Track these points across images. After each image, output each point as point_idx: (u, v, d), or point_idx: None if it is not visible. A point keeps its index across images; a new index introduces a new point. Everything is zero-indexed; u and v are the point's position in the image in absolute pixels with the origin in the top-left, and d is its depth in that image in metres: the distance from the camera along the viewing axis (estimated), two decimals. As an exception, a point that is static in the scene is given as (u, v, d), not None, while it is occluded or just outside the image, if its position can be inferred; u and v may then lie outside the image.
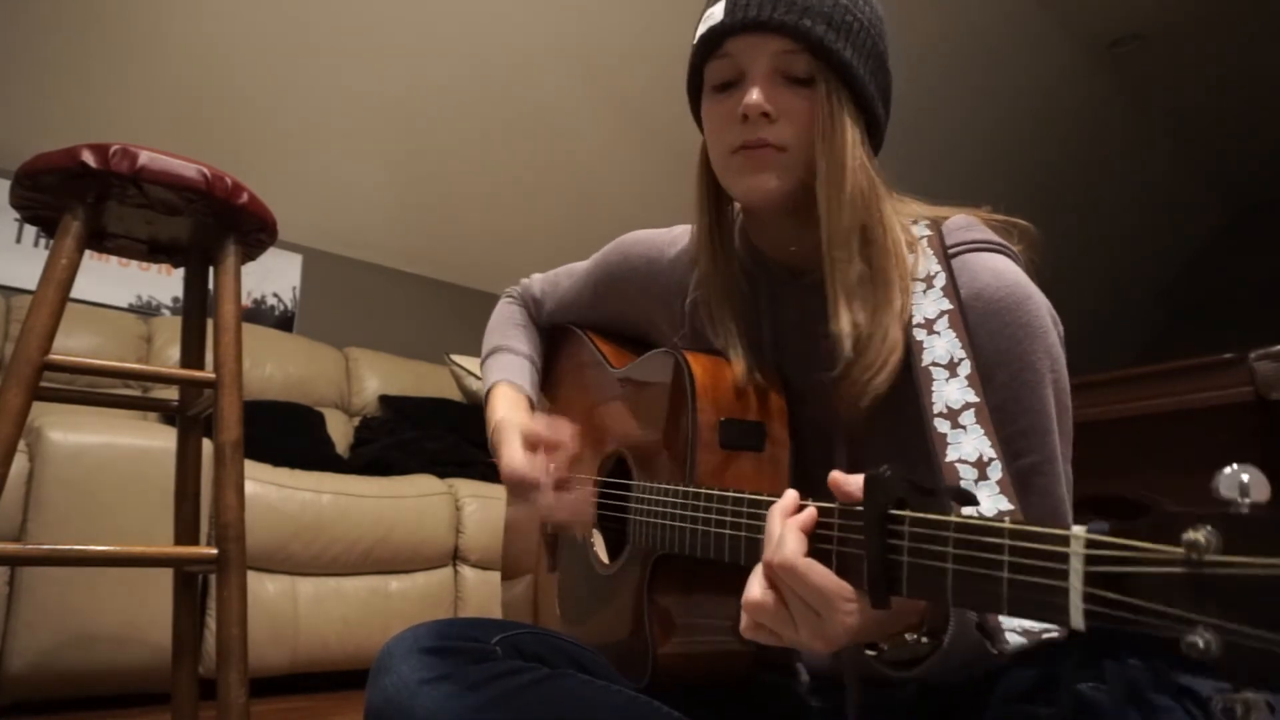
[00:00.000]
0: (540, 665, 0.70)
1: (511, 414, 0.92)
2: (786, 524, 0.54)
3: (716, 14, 0.74)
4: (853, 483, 0.53)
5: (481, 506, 2.41)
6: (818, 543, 0.53)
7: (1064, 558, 0.39)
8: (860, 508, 0.50)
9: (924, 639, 0.56)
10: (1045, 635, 0.55)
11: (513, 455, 0.84)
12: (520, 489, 0.84)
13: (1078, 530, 0.38)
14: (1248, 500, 0.33)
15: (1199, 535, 0.33)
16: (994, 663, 0.57)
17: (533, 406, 0.98)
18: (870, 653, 0.58)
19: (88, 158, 1.10)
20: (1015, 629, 0.55)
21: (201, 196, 1.17)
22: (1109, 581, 0.37)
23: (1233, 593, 0.32)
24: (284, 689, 2.04)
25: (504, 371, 1.01)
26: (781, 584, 0.53)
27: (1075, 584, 0.38)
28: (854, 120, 0.72)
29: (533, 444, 0.84)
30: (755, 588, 0.55)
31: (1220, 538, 0.33)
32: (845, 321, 0.71)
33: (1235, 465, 0.34)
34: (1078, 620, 0.38)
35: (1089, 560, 0.38)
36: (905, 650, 0.57)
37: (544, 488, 0.83)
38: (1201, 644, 0.33)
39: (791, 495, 0.56)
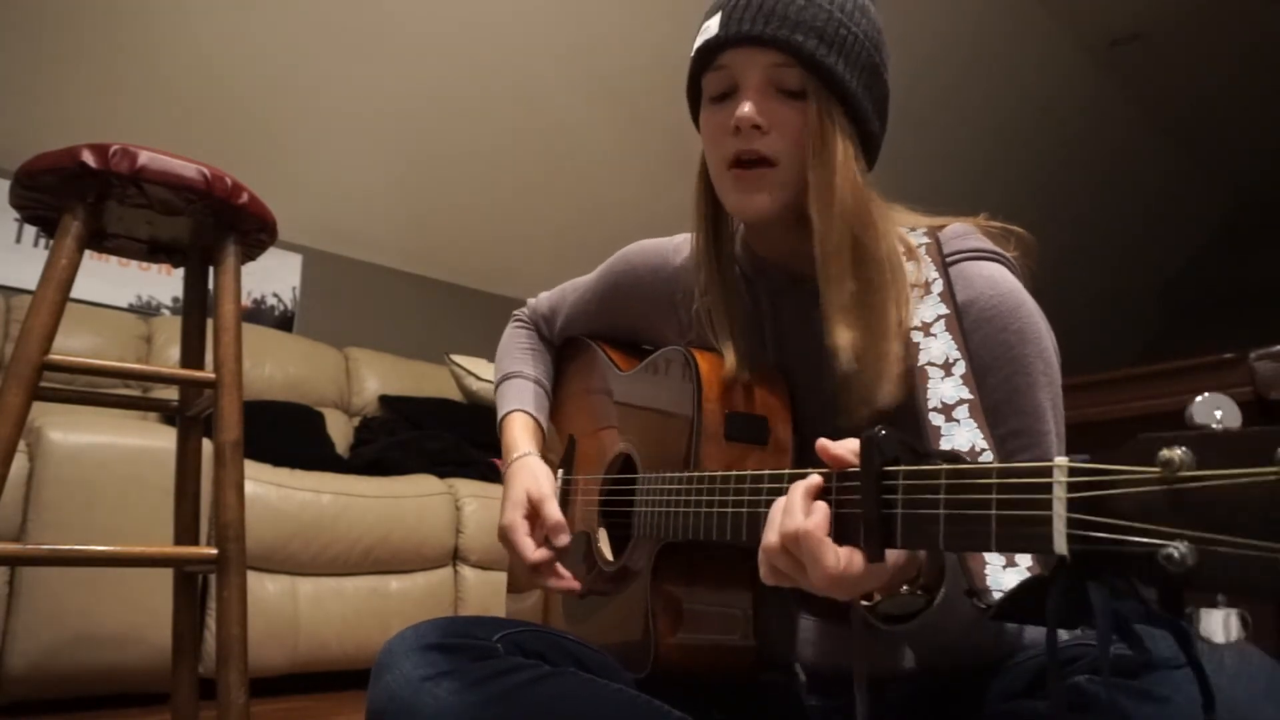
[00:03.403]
0: (541, 663, 0.70)
1: (529, 457, 0.95)
2: (793, 487, 0.56)
3: (712, 27, 0.75)
4: (838, 448, 0.55)
5: (482, 506, 2.41)
6: (819, 496, 0.55)
7: (1047, 488, 0.40)
8: (857, 469, 0.52)
9: (919, 592, 0.58)
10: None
11: (511, 518, 0.88)
12: (508, 550, 0.89)
13: (1060, 460, 0.40)
14: (1220, 426, 0.35)
15: (1174, 454, 0.35)
16: (992, 634, 0.58)
17: (543, 431, 1.03)
18: (865, 603, 0.59)
19: (88, 158, 1.10)
20: (1002, 591, 0.56)
21: (201, 196, 1.17)
22: (1090, 505, 0.38)
23: (1206, 505, 0.34)
24: (284, 689, 2.04)
25: (516, 399, 1.04)
26: (795, 550, 0.55)
27: (1059, 511, 0.39)
28: (846, 134, 0.73)
29: (534, 512, 0.88)
30: (766, 561, 0.57)
31: (1194, 455, 0.34)
32: (842, 337, 0.72)
33: (1208, 394, 0.36)
34: (1061, 545, 0.39)
35: (1071, 488, 0.39)
36: (900, 603, 0.58)
37: (528, 565, 0.87)
38: (1177, 555, 0.34)
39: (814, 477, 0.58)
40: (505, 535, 0.88)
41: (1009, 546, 0.43)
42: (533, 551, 0.86)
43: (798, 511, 0.54)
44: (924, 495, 0.47)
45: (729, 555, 0.75)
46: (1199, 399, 0.36)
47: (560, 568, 0.87)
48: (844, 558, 0.52)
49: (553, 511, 0.87)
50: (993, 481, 0.43)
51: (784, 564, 0.55)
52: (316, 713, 1.90)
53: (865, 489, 0.51)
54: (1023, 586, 0.46)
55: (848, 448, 0.55)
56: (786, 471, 0.60)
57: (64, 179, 1.12)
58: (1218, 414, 0.35)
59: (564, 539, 0.86)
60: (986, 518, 0.43)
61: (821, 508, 0.54)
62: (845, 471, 0.54)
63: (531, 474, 0.91)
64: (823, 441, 0.56)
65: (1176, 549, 0.34)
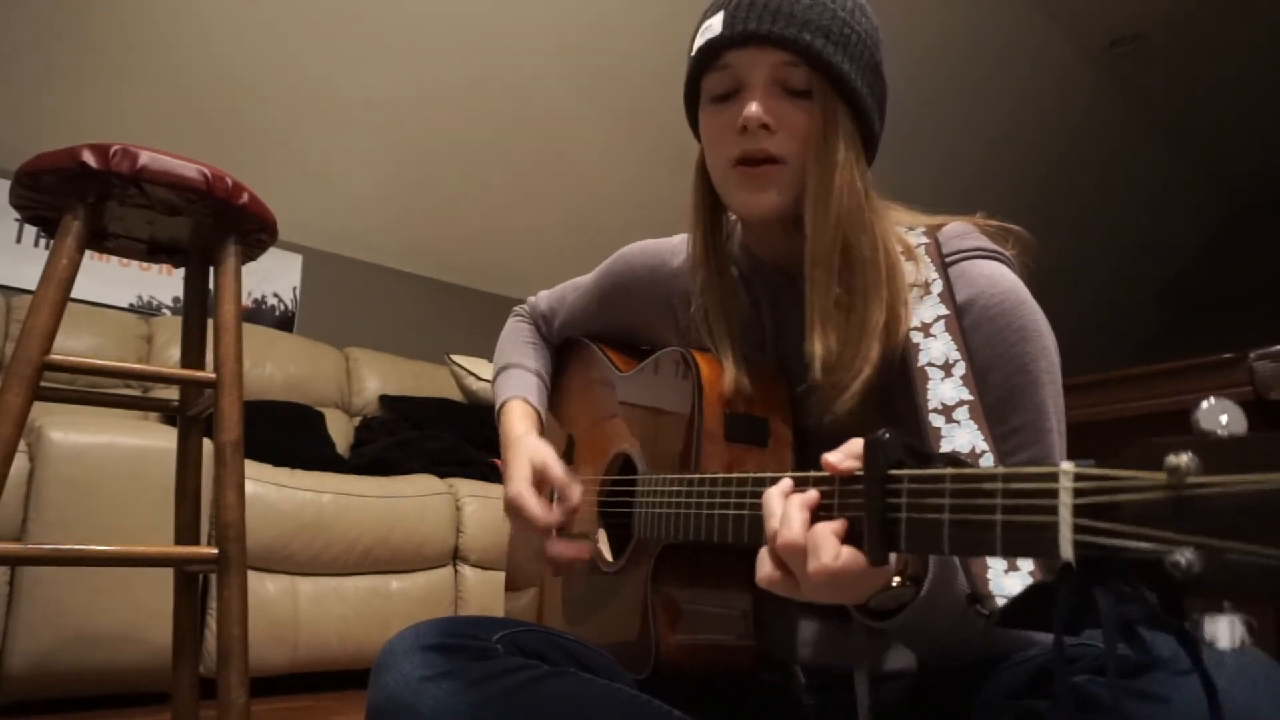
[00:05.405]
0: (541, 663, 0.70)
1: (527, 435, 0.93)
2: (789, 501, 0.55)
3: (715, 26, 0.75)
4: (837, 454, 0.54)
5: (482, 506, 2.41)
6: (819, 510, 0.55)
7: (1053, 493, 0.40)
8: (860, 473, 0.52)
9: (907, 584, 0.58)
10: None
11: (518, 486, 0.85)
12: (518, 520, 0.86)
13: (1066, 465, 0.40)
14: (1226, 432, 0.35)
15: (1180, 460, 0.35)
16: (981, 629, 0.58)
17: (542, 422, 1.01)
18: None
19: (88, 158, 1.10)
20: (1005, 596, 0.56)
21: (202, 196, 1.17)
22: (1097, 511, 0.38)
23: (1213, 511, 0.34)
24: (284, 689, 2.04)
25: (515, 388, 1.02)
26: (791, 561, 0.54)
27: (1065, 516, 0.39)
28: (849, 134, 0.74)
29: (540, 478, 0.86)
30: (765, 565, 0.56)
31: (1201, 461, 0.34)
32: (818, 345, 0.73)
33: (1213, 399, 0.35)
34: (1067, 551, 0.39)
35: (1077, 493, 0.39)
36: (890, 596, 0.58)
37: (541, 528, 0.84)
38: (1184, 562, 0.34)
39: (787, 480, 0.58)
40: (514, 504, 0.85)
41: (1014, 551, 0.42)
42: (545, 514, 0.84)
43: (795, 523, 0.54)
44: (929, 499, 0.47)
45: (729, 556, 0.75)
46: (1204, 404, 0.35)
47: (564, 544, 0.86)
48: (844, 556, 0.52)
49: (560, 472, 0.86)
50: (998, 486, 0.43)
51: (781, 574, 0.55)
52: (316, 713, 1.90)
53: (869, 492, 0.50)
54: (1027, 593, 0.46)
55: (849, 451, 0.54)
56: (788, 475, 0.59)
57: (64, 179, 1.12)
58: (1223, 419, 0.35)
59: (575, 493, 0.85)
60: (992, 523, 0.43)
61: (803, 512, 0.54)
62: (849, 475, 0.54)
63: (534, 446, 0.90)
64: (828, 459, 0.55)
65: (1183, 555, 0.34)
